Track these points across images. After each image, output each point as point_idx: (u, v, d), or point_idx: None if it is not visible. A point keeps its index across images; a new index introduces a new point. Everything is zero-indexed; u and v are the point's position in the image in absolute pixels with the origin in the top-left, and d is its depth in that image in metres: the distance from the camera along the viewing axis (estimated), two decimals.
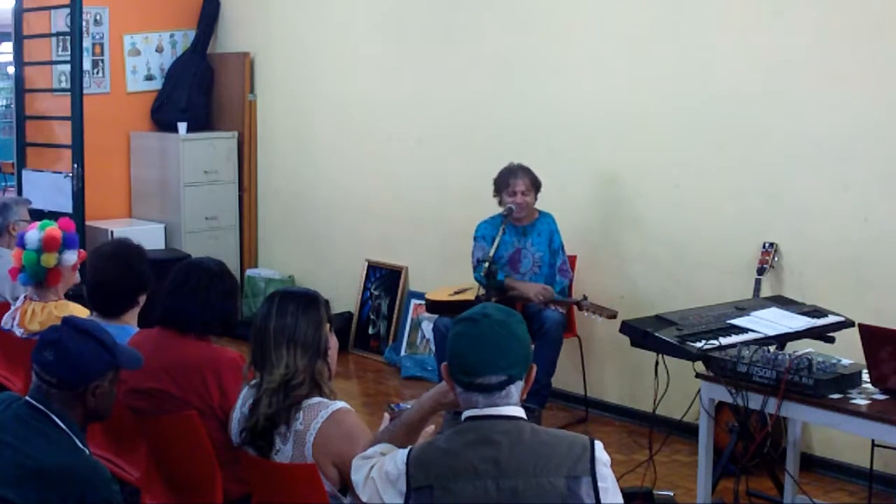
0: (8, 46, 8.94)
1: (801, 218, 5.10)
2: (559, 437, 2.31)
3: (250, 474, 3.05)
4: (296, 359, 2.89)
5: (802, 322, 4.34)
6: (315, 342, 2.93)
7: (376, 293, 7.29)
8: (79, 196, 7.33)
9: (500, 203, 5.64)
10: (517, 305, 5.37)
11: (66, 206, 7.30)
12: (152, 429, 3.39)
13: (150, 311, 3.84)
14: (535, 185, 5.61)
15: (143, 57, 8.23)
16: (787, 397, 3.68)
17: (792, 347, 4.18)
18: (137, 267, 3.87)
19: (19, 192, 8.02)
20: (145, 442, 3.43)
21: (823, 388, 3.64)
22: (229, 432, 3.05)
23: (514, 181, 5.57)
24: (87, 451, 2.73)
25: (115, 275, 3.82)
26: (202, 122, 8.22)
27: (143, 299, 3.91)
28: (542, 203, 5.72)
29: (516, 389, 2.34)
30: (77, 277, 4.36)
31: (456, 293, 5.80)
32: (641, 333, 4.15)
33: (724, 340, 4.03)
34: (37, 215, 5.58)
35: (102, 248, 4.05)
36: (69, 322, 2.79)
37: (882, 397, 3.67)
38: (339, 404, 2.90)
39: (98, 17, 8.03)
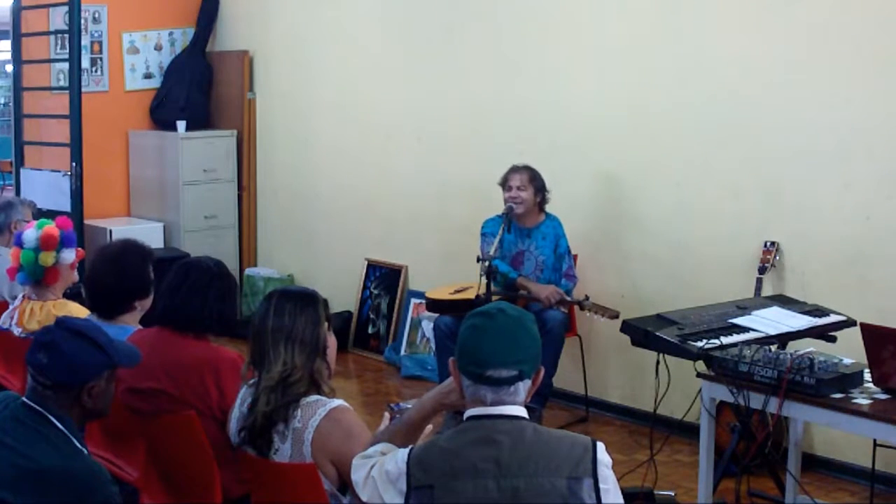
0: (6, 44, 8.92)
1: (803, 217, 5.09)
2: (561, 438, 2.30)
3: (249, 474, 3.03)
4: (293, 356, 2.88)
5: (804, 321, 4.34)
6: (313, 340, 2.92)
7: (376, 292, 7.27)
8: (77, 195, 7.32)
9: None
10: (518, 303, 5.36)
11: (65, 204, 7.29)
12: (151, 429, 3.37)
13: (148, 311, 3.82)
14: (535, 182, 5.61)
15: (141, 55, 8.22)
16: (788, 397, 3.67)
17: (793, 347, 4.17)
18: (136, 272, 3.82)
19: (17, 191, 8.02)
20: (144, 442, 3.42)
21: (825, 388, 3.63)
22: (228, 432, 3.04)
23: (511, 176, 5.62)
24: (85, 452, 2.71)
25: (111, 278, 3.78)
26: (201, 120, 8.21)
27: (143, 304, 3.86)
28: None
29: (524, 388, 2.34)
30: (75, 276, 4.34)
31: (456, 292, 5.80)
32: (642, 333, 4.14)
33: (726, 340, 4.03)
34: (35, 214, 5.57)
35: (106, 249, 4.03)
36: (62, 323, 2.77)
37: (884, 397, 3.66)
38: (337, 402, 2.89)
39: (97, 15, 8.01)
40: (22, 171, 8.06)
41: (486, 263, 5.23)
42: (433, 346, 6.26)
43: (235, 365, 3.32)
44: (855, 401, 3.63)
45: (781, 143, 5.15)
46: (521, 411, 2.33)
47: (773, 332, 4.19)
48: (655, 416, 4.47)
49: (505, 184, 5.64)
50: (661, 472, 4.55)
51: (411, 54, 6.93)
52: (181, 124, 7.98)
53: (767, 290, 5.05)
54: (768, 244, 5.14)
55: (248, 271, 7.97)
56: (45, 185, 7.65)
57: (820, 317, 4.42)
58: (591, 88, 5.91)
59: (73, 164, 7.31)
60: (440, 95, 6.74)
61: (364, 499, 2.37)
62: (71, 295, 4.39)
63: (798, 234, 5.10)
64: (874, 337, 3.70)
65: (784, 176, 5.15)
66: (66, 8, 7.35)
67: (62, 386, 2.69)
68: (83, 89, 7.42)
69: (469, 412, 2.34)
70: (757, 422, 4.34)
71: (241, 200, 8.15)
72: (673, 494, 4.53)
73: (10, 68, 9.07)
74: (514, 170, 5.65)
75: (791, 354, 3.77)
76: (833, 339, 4.40)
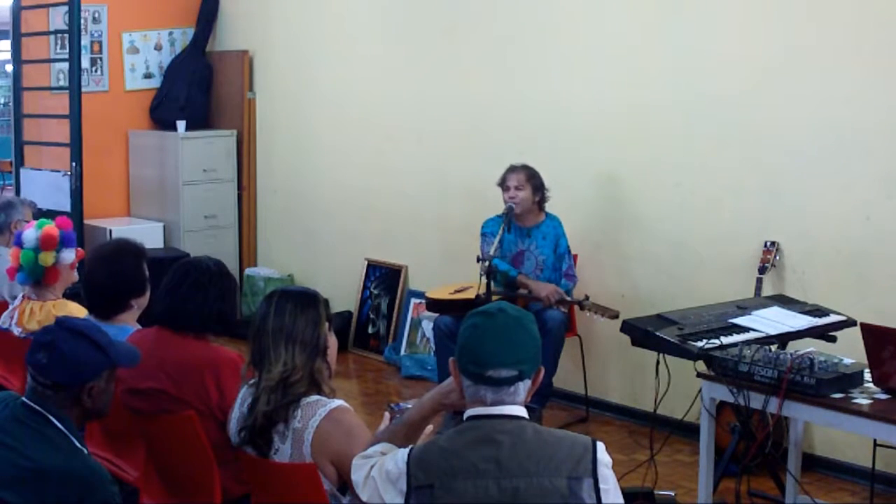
0: (6, 44, 8.92)
1: (803, 217, 5.09)
2: (561, 438, 2.30)
3: (249, 474, 3.03)
4: (294, 356, 2.88)
5: (804, 321, 4.33)
6: (313, 340, 2.91)
7: (376, 292, 7.27)
8: (77, 194, 7.32)
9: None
10: (518, 303, 5.36)
11: (65, 204, 7.29)
12: (151, 429, 3.37)
13: (148, 311, 3.81)
14: (533, 181, 5.61)
15: (141, 55, 8.22)
16: (788, 397, 3.67)
17: (793, 347, 4.17)
18: (130, 271, 3.81)
19: (17, 191, 8.02)
20: (144, 442, 3.42)
21: (825, 388, 3.63)
22: (228, 432, 3.04)
23: (508, 176, 5.63)
24: (85, 452, 2.71)
25: (105, 277, 3.78)
26: (201, 120, 8.20)
27: (139, 303, 3.85)
28: None
29: (524, 388, 2.34)
30: (75, 276, 4.34)
31: (456, 291, 5.79)
32: (642, 333, 4.14)
33: (726, 340, 4.02)
34: (35, 214, 5.57)
35: (100, 249, 4.02)
36: (62, 323, 2.77)
37: (884, 397, 3.66)
38: (337, 402, 2.89)
39: (96, 15, 8.01)
40: (22, 170, 8.05)
41: (486, 263, 5.23)
42: (433, 345, 6.26)
43: (235, 365, 3.32)
44: (855, 401, 3.63)
45: (781, 142, 5.15)
46: (522, 411, 2.33)
47: (773, 332, 4.18)
48: (655, 416, 4.47)
49: (503, 184, 5.64)
50: (661, 472, 4.54)
51: (411, 54, 6.93)
52: (181, 124, 7.97)
53: (767, 290, 5.05)
54: (768, 244, 5.14)
55: (248, 271, 7.97)
56: (45, 184, 7.65)
57: (820, 317, 4.42)
58: (591, 88, 5.91)
59: (73, 163, 7.30)
60: (440, 95, 6.73)
61: (364, 499, 2.37)
62: (71, 295, 4.39)
63: (798, 233, 5.10)
64: (874, 337, 3.70)
65: (784, 176, 5.15)
66: (66, 8, 7.35)
67: (62, 386, 2.69)
68: (83, 89, 7.42)
69: (469, 412, 2.34)
70: (757, 422, 4.33)
71: (240, 200, 8.15)
72: (673, 494, 4.53)
73: (10, 68, 9.06)
74: (512, 169, 5.66)
75: (791, 354, 3.77)
76: (833, 339, 4.40)
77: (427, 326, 6.72)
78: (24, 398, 2.72)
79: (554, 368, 5.48)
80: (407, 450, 2.33)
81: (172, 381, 3.34)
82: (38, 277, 4.20)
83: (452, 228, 6.62)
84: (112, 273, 3.79)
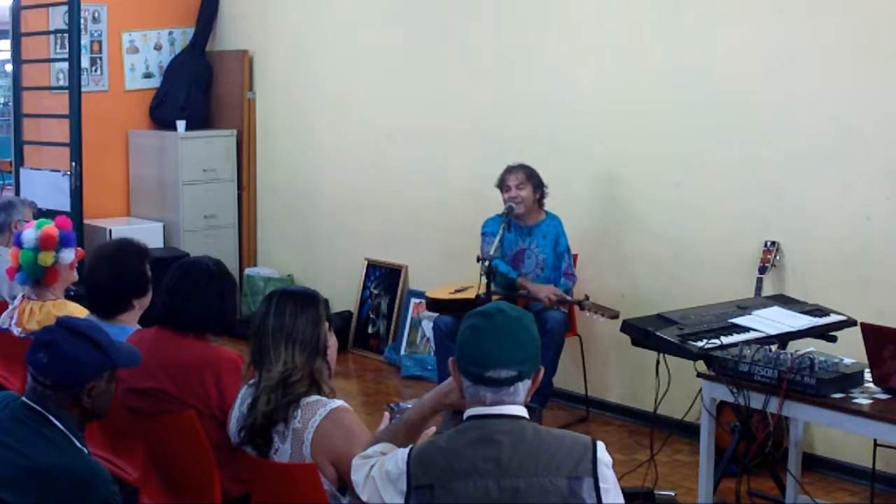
0: (6, 44, 8.92)
1: (803, 216, 5.09)
2: (561, 438, 2.30)
3: (249, 474, 3.03)
4: (294, 356, 2.88)
5: (804, 321, 4.34)
6: (313, 340, 2.92)
7: (376, 292, 7.27)
8: (77, 194, 7.32)
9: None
10: (518, 303, 5.35)
11: (65, 204, 7.29)
12: (150, 429, 3.37)
13: (148, 311, 3.81)
14: (532, 180, 5.61)
15: (141, 55, 8.22)
16: (788, 397, 3.67)
17: (794, 346, 4.17)
18: (133, 271, 3.82)
19: (17, 191, 8.02)
20: (143, 442, 3.42)
21: (825, 388, 3.63)
22: (228, 432, 3.04)
23: (508, 176, 5.62)
24: (85, 451, 2.71)
25: (108, 277, 3.78)
26: (201, 120, 8.20)
27: (141, 303, 3.85)
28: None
29: (524, 388, 2.33)
30: (75, 276, 4.34)
31: (456, 291, 5.79)
32: (642, 332, 4.14)
33: (726, 339, 4.02)
34: (35, 214, 5.57)
35: (102, 248, 4.02)
36: (63, 323, 2.77)
37: (884, 397, 3.66)
38: (337, 402, 2.89)
39: (96, 15, 8.01)
40: (22, 170, 8.05)
41: (486, 263, 5.23)
42: (433, 345, 6.26)
43: (235, 365, 3.32)
44: (855, 401, 3.63)
45: (781, 142, 5.15)
46: (522, 411, 2.33)
47: (773, 331, 4.19)
48: (655, 416, 4.47)
49: (502, 184, 5.64)
50: (661, 472, 4.54)
51: (411, 54, 6.93)
52: (181, 124, 7.97)
53: (768, 290, 5.05)
54: (768, 244, 5.14)
55: (247, 271, 7.97)
56: (44, 184, 7.65)
57: (820, 317, 4.42)
58: (591, 88, 5.91)
59: (73, 163, 7.30)
60: (440, 95, 6.73)
61: (364, 499, 2.37)
62: (71, 295, 4.38)
63: (798, 233, 5.10)
64: (874, 337, 3.70)
65: (784, 176, 5.15)
66: (65, 7, 7.35)
67: (62, 386, 2.68)
68: (83, 89, 7.42)
69: (469, 412, 2.34)
70: (757, 422, 4.33)
71: (240, 200, 8.15)
72: (673, 494, 4.53)
73: (9, 68, 9.05)
74: (510, 170, 5.65)
75: (791, 354, 3.77)
76: (833, 339, 4.40)
77: (427, 326, 6.72)
78: (24, 398, 2.72)
79: (554, 368, 5.48)
80: (407, 450, 2.33)
81: (172, 380, 3.34)
82: (37, 277, 4.20)
83: (452, 228, 6.62)
84: (116, 273, 3.79)
